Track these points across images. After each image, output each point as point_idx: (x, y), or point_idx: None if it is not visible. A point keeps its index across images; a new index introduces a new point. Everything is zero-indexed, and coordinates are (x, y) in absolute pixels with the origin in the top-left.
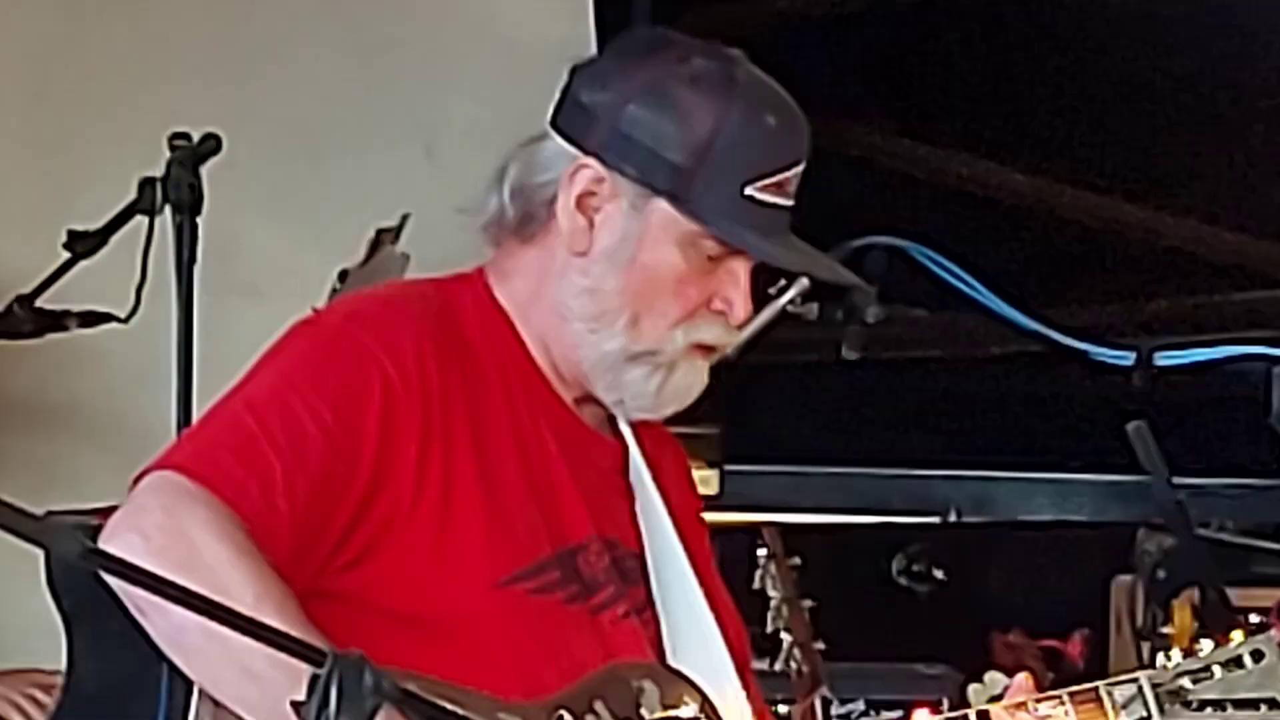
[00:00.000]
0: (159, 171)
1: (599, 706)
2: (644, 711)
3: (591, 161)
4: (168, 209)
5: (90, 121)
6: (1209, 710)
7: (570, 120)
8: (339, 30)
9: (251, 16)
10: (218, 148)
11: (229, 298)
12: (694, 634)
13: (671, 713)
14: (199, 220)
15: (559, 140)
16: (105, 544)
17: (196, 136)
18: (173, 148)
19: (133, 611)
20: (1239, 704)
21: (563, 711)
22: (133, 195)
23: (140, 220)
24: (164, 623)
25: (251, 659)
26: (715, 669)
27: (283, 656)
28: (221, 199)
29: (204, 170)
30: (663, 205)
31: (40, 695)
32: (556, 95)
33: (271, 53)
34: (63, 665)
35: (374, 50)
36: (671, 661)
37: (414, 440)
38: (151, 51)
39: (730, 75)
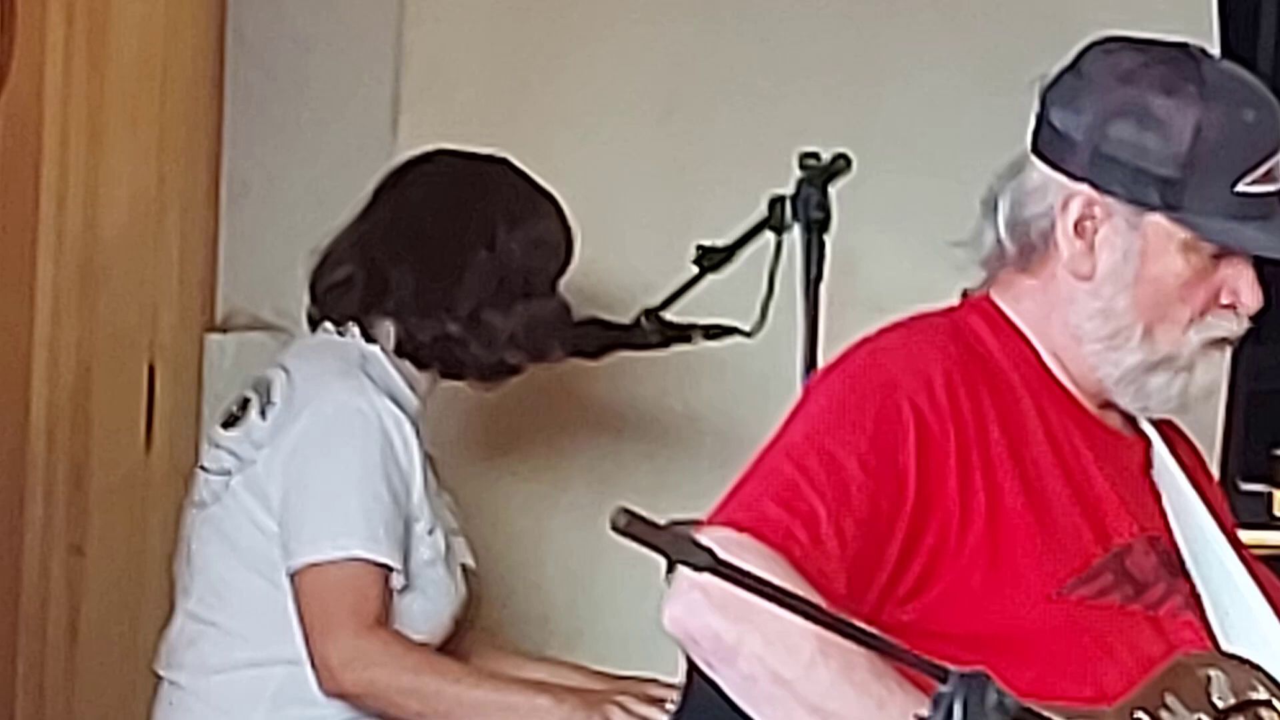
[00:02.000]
0: (785, 188)
1: (1171, 700)
2: (1216, 700)
3: (1082, 188)
4: (796, 227)
5: (718, 136)
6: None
7: (1048, 145)
8: (963, 48)
9: (879, 35)
10: (848, 167)
11: (850, 313)
12: (1245, 618)
13: (1249, 695)
14: (825, 238)
15: (1042, 167)
16: (671, 601)
17: (824, 154)
18: (803, 166)
19: (702, 665)
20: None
21: (1139, 713)
22: (760, 211)
23: (767, 236)
24: (734, 674)
25: (824, 700)
26: (1274, 653)
27: (855, 695)
28: (843, 215)
29: (831, 189)
30: (1157, 218)
31: (640, 708)
32: (1031, 119)
33: (895, 70)
34: (680, 679)
35: (998, 68)
36: (1226, 648)
37: (953, 470)
38: (779, 67)
39: (1199, 75)
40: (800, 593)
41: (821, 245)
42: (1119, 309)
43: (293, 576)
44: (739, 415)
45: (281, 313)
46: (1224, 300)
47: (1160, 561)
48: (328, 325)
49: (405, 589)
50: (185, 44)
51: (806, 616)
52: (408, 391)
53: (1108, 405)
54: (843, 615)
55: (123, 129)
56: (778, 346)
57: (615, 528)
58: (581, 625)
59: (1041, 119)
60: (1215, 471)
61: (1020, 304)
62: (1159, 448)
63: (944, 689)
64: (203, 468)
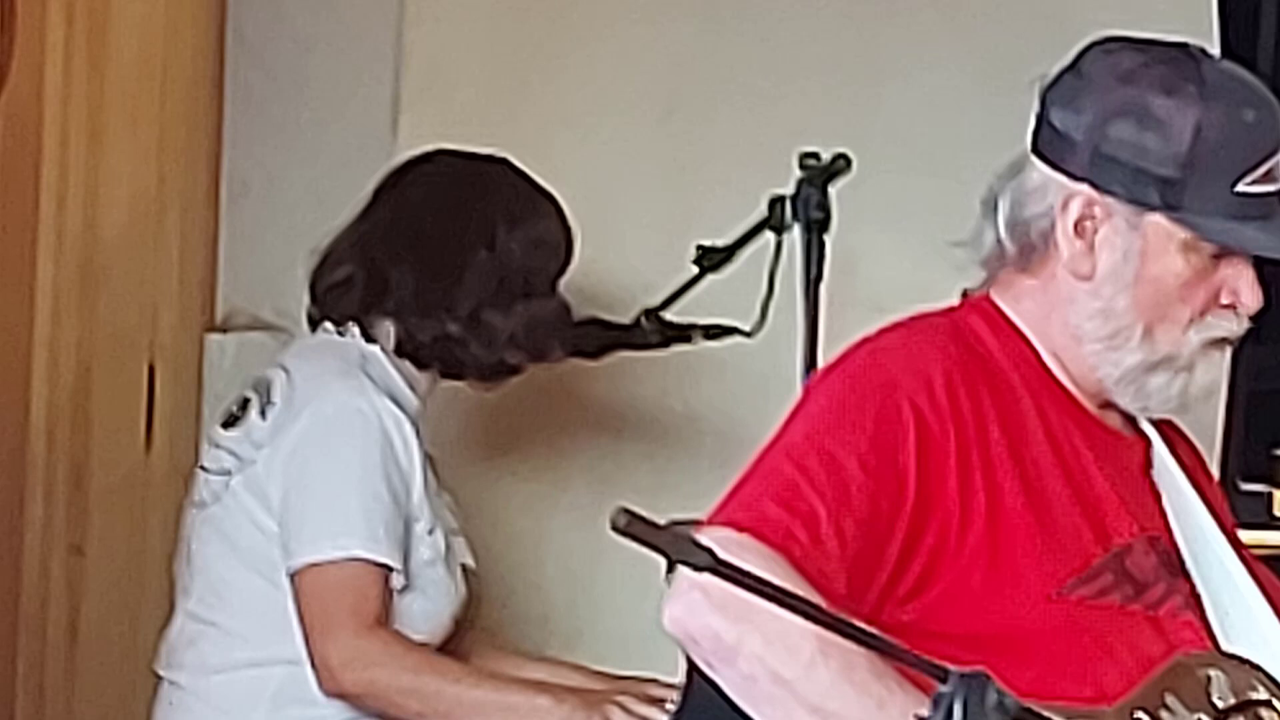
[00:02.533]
0: (785, 187)
1: (1171, 700)
2: (1216, 700)
3: (1082, 188)
4: (796, 227)
5: (718, 136)
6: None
7: (1049, 145)
8: (963, 48)
9: (879, 35)
10: (848, 167)
11: (850, 313)
12: (1245, 618)
13: (1249, 695)
14: (825, 238)
15: (1042, 167)
16: (671, 601)
17: (824, 154)
18: (803, 166)
19: (702, 665)
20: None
21: (1139, 713)
22: (760, 211)
23: (767, 236)
24: (734, 674)
25: (824, 700)
26: (1274, 653)
27: (855, 695)
28: (843, 215)
29: (831, 189)
30: (1157, 218)
31: (640, 708)
32: (1031, 119)
33: (895, 70)
34: (680, 678)
35: (998, 68)
36: (1226, 648)
37: (953, 470)
38: (779, 67)
39: (1199, 75)
40: (800, 593)
41: (821, 245)
42: (1119, 309)
43: (293, 576)
44: (739, 415)
45: (281, 313)
46: (1224, 300)
47: (1160, 561)
48: (328, 325)
49: (405, 589)
50: (185, 44)
51: (806, 616)
52: (408, 391)
53: (1108, 405)
54: (843, 615)
55: (123, 129)
56: (778, 346)
57: (615, 528)
58: (581, 625)
59: (1041, 119)
60: (1215, 471)
61: (1020, 304)
62: (1159, 448)
63: (944, 689)
64: (203, 468)
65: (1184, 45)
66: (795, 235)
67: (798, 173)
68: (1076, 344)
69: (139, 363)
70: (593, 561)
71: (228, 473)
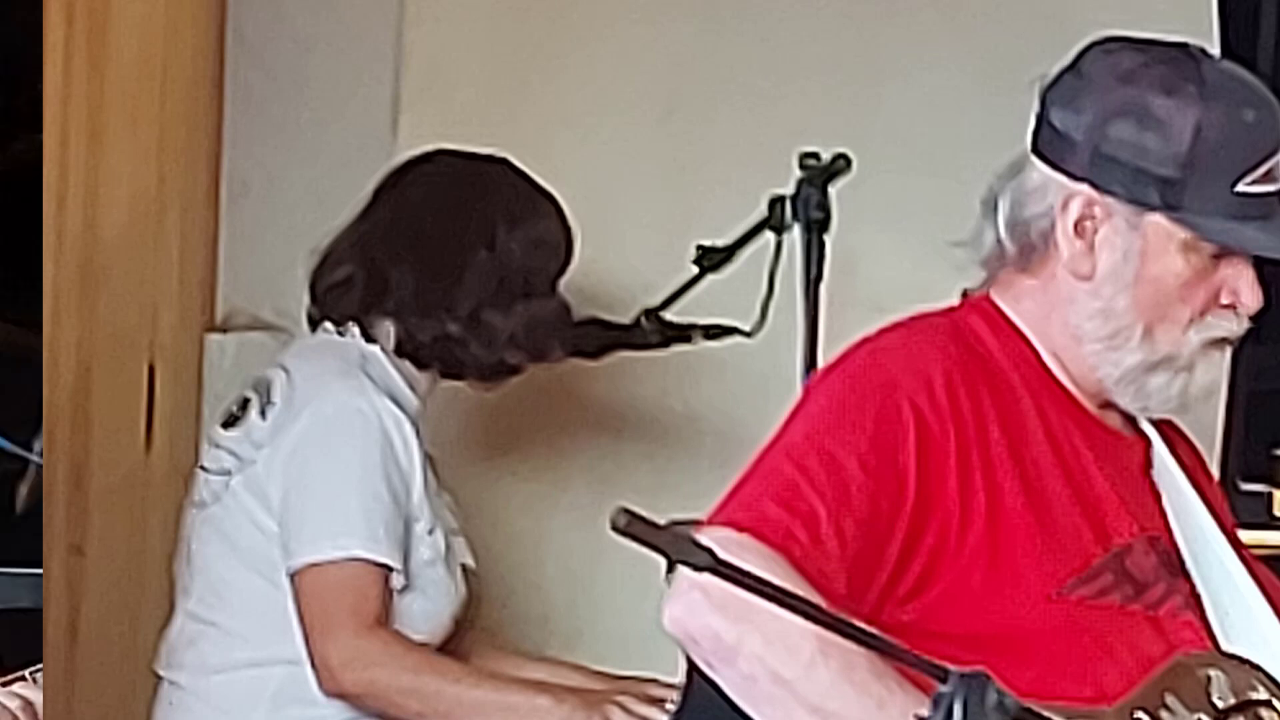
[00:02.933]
0: (785, 188)
1: (1171, 700)
2: (1216, 700)
3: (1082, 188)
4: (796, 227)
5: (718, 136)
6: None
7: (1048, 145)
8: (963, 48)
9: (879, 35)
10: (848, 167)
11: (850, 313)
12: (1245, 618)
13: (1249, 695)
14: (825, 238)
15: (1042, 167)
16: (671, 601)
17: (824, 154)
18: (803, 166)
19: (702, 665)
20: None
21: (1139, 713)
22: (760, 211)
23: (767, 236)
24: (734, 674)
25: (824, 700)
26: (1274, 653)
27: (855, 695)
28: (843, 215)
29: (831, 189)
30: (1157, 218)
31: (640, 708)
32: (1031, 119)
33: (895, 70)
34: (680, 678)
35: (998, 68)
36: (1226, 648)
37: (953, 470)
38: (779, 67)
39: (1199, 75)
40: (800, 593)
41: (821, 245)
42: (1119, 309)
43: (293, 576)
44: (739, 415)
45: (281, 313)
46: (1224, 300)
47: (1160, 561)
48: (328, 325)
49: (405, 589)
50: (185, 44)
51: (806, 616)
52: (408, 391)
53: (1108, 405)
54: (843, 615)
55: (123, 129)
56: (778, 346)
57: (615, 528)
58: (581, 625)
59: (1041, 119)
60: (1215, 471)
61: (1020, 304)
62: (1159, 448)
63: (944, 689)
64: (203, 468)
65: (1184, 45)
66: (795, 235)
67: (798, 173)
68: (1076, 344)
69: (139, 363)
70: (593, 561)
71: (228, 473)
